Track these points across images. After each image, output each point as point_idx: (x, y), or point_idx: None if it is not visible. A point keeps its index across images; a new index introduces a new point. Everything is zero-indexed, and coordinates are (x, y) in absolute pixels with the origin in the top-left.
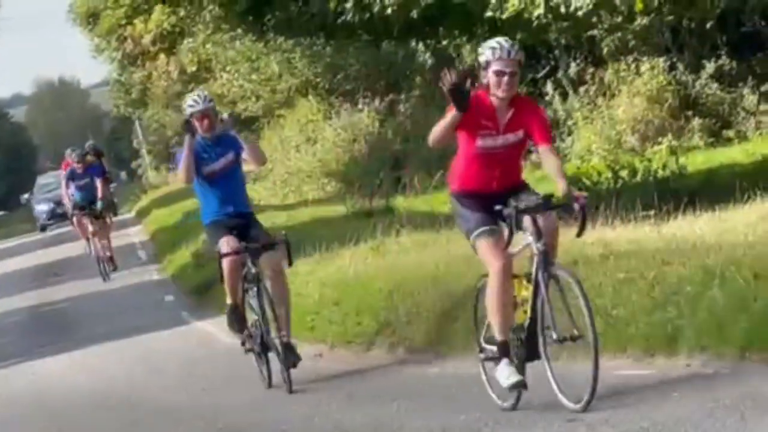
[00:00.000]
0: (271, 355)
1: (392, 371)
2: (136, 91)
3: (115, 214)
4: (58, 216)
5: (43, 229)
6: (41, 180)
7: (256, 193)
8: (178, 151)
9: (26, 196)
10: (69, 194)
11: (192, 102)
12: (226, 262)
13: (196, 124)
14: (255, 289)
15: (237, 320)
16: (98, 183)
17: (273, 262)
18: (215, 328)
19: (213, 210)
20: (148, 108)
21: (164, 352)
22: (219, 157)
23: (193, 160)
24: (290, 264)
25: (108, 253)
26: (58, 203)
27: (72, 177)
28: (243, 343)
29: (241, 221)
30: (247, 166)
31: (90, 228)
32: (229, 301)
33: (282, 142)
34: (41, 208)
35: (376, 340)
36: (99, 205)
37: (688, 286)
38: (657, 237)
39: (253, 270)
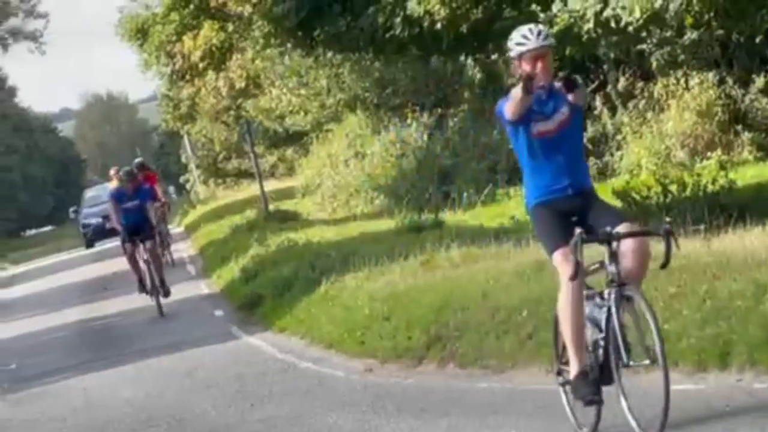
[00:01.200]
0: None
1: (442, 386)
2: (184, 106)
3: (166, 248)
4: (105, 232)
5: (90, 245)
6: (88, 193)
7: (305, 207)
8: None
9: (73, 209)
10: (118, 220)
11: (521, 39)
12: (566, 296)
13: (525, 67)
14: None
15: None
16: (149, 206)
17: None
18: (264, 343)
19: (543, 185)
20: (197, 123)
21: (213, 367)
22: (554, 113)
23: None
24: (667, 262)
25: (159, 278)
26: (106, 217)
27: (119, 198)
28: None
29: (579, 202)
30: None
31: (142, 259)
32: (575, 366)
33: (330, 157)
34: (88, 223)
35: (426, 355)
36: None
37: (739, 300)
38: (707, 251)
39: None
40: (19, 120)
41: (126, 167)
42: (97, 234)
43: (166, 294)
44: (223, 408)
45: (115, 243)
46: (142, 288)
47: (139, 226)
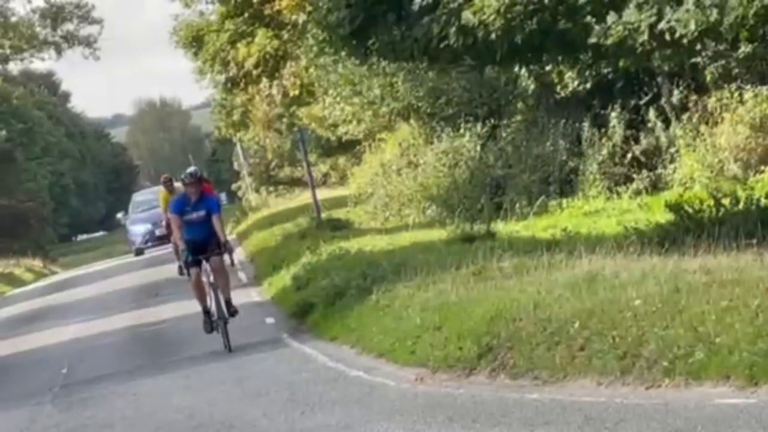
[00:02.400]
0: None
1: (493, 396)
2: (237, 113)
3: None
4: (155, 239)
5: (139, 252)
6: (137, 197)
7: (357, 216)
8: None
9: (121, 215)
10: (180, 236)
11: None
12: None
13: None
14: None
15: None
16: (215, 220)
17: None
18: (315, 351)
19: None
20: (249, 130)
21: (264, 375)
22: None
23: None
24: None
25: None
26: (156, 224)
27: (180, 209)
28: None
29: None
30: None
31: (208, 282)
32: None
33: (383, 166)
34: (136, 230)
35: (477, 365)
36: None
37: None
38: (760, 266)
39: None
40: (72, 125)
41: (191, 168)
42: (147, 241)
43: (233, 313)
44: (274, 415)
45: (167, 250)
46: (209, 322)
47: (205, 242)
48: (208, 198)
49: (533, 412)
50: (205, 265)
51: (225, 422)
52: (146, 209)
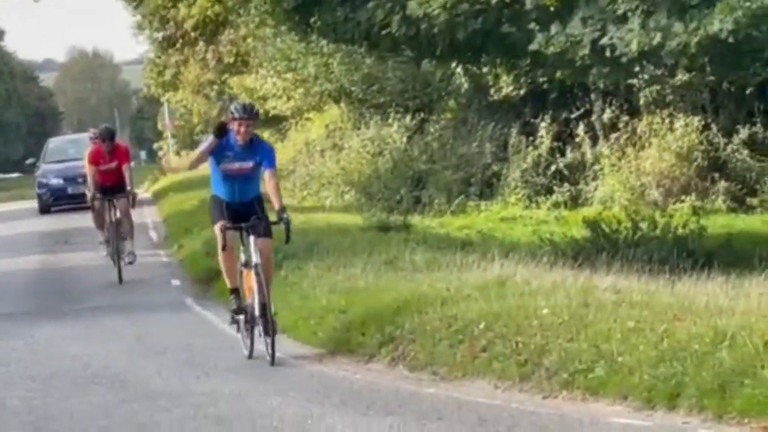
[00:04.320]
0: None
1: (390, 386)
2: (169, 73)
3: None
4: (67, 198)
5: (44, 211)
6: (52, 144)
7: None
8: None
9: (32, 161)
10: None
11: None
12: None
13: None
14: None
15: None
16: (270, 177)
17: None
18: (217, 319)
19: None
20: (179, 92)
21: (164, 335)
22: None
23: None
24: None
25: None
26: (70, 179)
27: (221, 154)
28: None
29: None
30: None
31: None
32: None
33: (307, 145)
34: (45, 183)
35: (377, 353)
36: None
37: (696, 344)
38: (670, 292)
39: None
40: (2, 63)
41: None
42: (57, 198)
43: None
44: (168, 376)
45: (83, 214)
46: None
47: (249, 207)
48: (263, 145)
49: (428, 406)
50: (251, 244)
51: (119, 376)
52: (62, 160)
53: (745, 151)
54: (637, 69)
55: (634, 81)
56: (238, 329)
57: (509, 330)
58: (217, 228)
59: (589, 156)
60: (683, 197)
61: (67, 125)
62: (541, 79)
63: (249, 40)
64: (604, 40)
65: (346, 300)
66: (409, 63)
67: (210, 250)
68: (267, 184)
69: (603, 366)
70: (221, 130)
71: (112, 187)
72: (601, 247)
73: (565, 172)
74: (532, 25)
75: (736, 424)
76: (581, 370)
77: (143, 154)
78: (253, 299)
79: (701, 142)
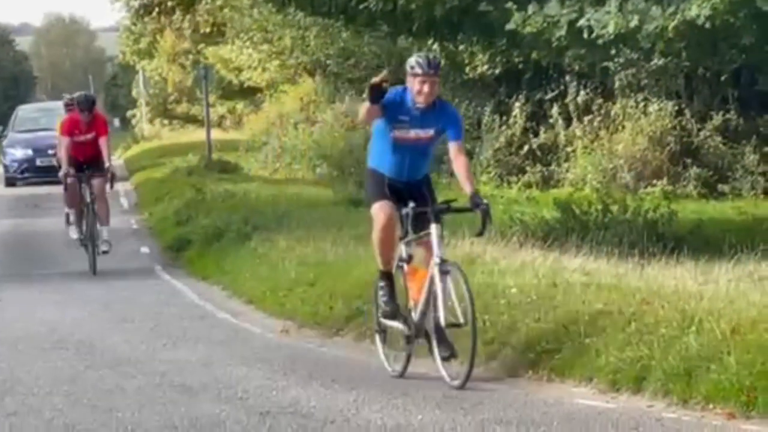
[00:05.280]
0: None
1: (356, 360)
2: (145, 41)
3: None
4: (36, 170)
5: (10, 183)
6: (22, 112)
7: (246, 162)
8: None
9: None
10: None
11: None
12: None
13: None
14: None
15: None
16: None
17: None
18: (186, 288)
19: None
20: (154, 61)
21: (132, 302)
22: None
23: None
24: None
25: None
26: (39, 150)
27: (395, 118)
28: None
29: None
30: None
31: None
32: None
33: (281, 117)
34: (13, 154)
35: (344, 327)
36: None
37: (664, 328)
38: (639, 276)
39: None
40: None
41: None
42: (24, 171)
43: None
44: (136, 343)
45: (52, 190)
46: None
47: (89, 162)
48: (448, 110)
49: (393, 382)
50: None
51: (86, 341)
52: (31, 130)
53: (718, 138)
54: (613, 52)
55: (610, 64)
56: (383, 339)
57: (476, 308)
58: (377, 207)
59: (562, 137)
60: (655, 181)
61: (40, 89)
62: (516, 59)
63: (226, 10)
64: (582, 22)
65: (314, 273)
66: (386, 38)
67: (180, 220)
68: (454, 160)
69: (569, 347)
70: (378, 93)
71: (87, 161)
72: (571, 229)
73: (538, 152)
74: (509, 5)
75: (701, 410)
76: (548, 351)
77: (116, 122)
78: (426, 306)
79: (674, 127)
